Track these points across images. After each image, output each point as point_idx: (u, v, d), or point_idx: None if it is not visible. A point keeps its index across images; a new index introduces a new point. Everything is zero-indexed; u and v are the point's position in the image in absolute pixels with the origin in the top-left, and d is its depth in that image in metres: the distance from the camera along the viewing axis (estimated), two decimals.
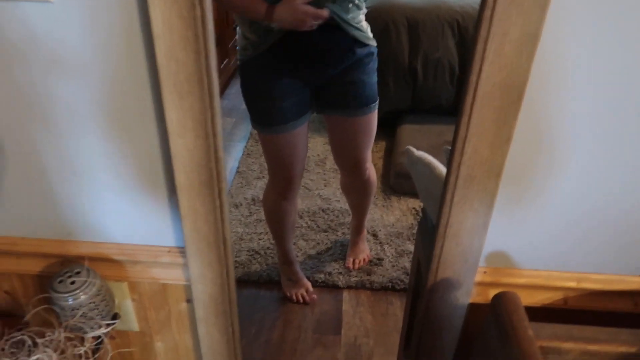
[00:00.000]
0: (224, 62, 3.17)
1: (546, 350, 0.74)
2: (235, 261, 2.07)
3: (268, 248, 2.13)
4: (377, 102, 1.56)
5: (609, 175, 0.81)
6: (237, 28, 1.45)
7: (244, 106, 1.59)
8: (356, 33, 1.39)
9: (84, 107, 0.80)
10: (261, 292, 2.00)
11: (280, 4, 1.26)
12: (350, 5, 1.35)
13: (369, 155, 1.72)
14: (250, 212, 2.34)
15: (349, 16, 1.36)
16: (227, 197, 0.85)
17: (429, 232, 1.10)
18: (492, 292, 0.87)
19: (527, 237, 0.88)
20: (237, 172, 2.61)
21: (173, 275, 0.96)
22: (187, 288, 0.97)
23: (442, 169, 1.16)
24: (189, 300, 1.00)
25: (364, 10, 1.43)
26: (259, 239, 2.18)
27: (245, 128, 2.97)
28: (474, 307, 0.94)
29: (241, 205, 2.38)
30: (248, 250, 2.12)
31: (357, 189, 1.85)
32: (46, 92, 0.79)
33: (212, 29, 0.72)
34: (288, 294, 1.93)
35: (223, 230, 0.88)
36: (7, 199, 0.91)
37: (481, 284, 0.92)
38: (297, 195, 1.74)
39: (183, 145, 0.79)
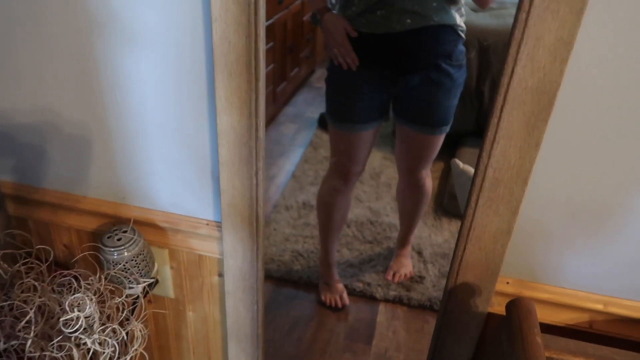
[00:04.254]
0: (294, 71, 3.29)
1: None
2: (279, 260, 2.14)
3: (311, 252, 2.18)
4: (449, 125, 1.59)
5: None
6: None
7: (308, 114, 1.69)
8: (445, 38, 1.39)
9: (147, 81, 0.90)
10: (299, 292, 2.04)
11: (328, 17, 1.38)
12: (438, 0, 1.33)
13: (427, 167, 1.77)
14: (300, 216, 2.40)
15: (427, 9, 1.34)
16: (263, 176, 0.91)
17: None
18: (505, 305, 0.86)
19: (554, 251, 0.87)
20: (293, 176, 2.69)
21: (209, 248, 1.03)
22: (220, 262, 1.04)
23: None
24: (221, 275, 1.06)
25: (459, 8, 1.40)
26: (304, 242, 2.24)
27: (307, 135, 3.06)
28: (492, 317, 0.93)
29: (292, 207, 2.45)
30: (292, 251, 2.18)
31: (410, 194, 1.87)
32: (117, 65, 0.89)
33: (264, 16, 0.78)
34: (323, 298, 1.97)
35: (257, 208, 0.94)
36: (77, 161, 1.02)
37: (502, 294, 0.91)
38: (351, 191, 1.80)
39: (228, 123, 0.86)
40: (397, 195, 2.00)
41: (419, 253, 2.20)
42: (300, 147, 2.96)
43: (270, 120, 3.12)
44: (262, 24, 0.78)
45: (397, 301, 2.00)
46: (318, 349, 1.80)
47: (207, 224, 1.00)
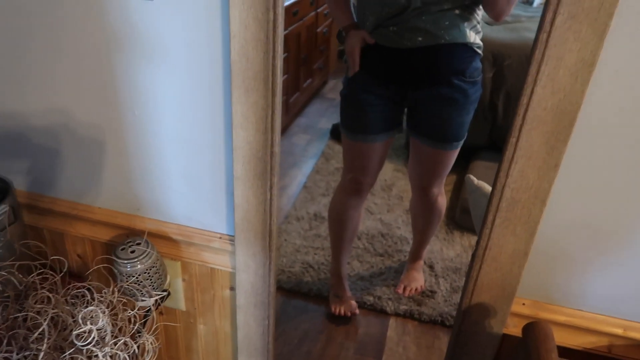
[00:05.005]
0: (308, 82, 3.30)
1: None
2: (289, 271, 2.13)
3: (322, 264, 2.17)
4: (462, 141, 1.58)
5: None
6: None
7: (320, 125, 1.70)
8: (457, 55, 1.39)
9: (165, 96, 0.90)
10: (309, 304, 2.03)
11: (351, 34, 1.40)
12: (447, 14, 1.33)
13: (440, 183, 1.75)
14: (311, 227, 2.39)
15: (440, 28, 1.34)
16: (277, 192, 0.91)
17: None
18: (522, 327, 0.85)
19: (572, 273, 0.85)
20: (304, 187, 2.69)
21: (221, 261, 1.03)
22: (232, 275, 1.03)
23: None
24: (232, 288, 1.05)
25: (474, 25, 1.39)
26: (315, 254, 2.23)
27: (318, 146, 3.05)
28: (507, 339, 0.91)
29: (303, 219, 2.44)
30: (302, 263, 2.17)
31: (424, 210, 1.86)
32: (135, 80, 0.90)
33: (282, 33, 0.79)
34: (333, 309, 1.95)
35: (270, 223, 0.94)
36: (92, 172, 1.03)
37: (518, 315, 0.89)
38: (363, 204, 1.79)
39: (244, 138, 0.86)
40: (410, 210, 1.99)
41: (431, 267, 2.18)
42: (312, 158, 2.96)
43: (283, 130, 3.13)
44: (281, 40, 0.79)
45: (408, 316, 1.97)
46: None
47: (220, 238, 1.00)
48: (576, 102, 0.69)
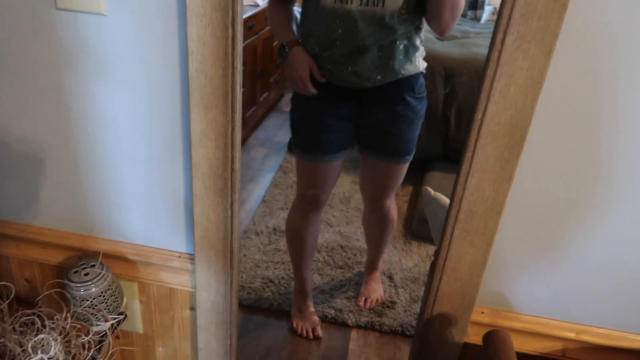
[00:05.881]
0: (264, 95, 3.29)
1: None
2: (249, 287, 2.10)
3: (282, 278, 2.15)
4: (412, 154, 1.61)
5: (615, 224, 0.81)
6: None
7: (277, 138, 1.68)
8: (404, 80, 1.42)
9: (120, 113, 0.88)
10: (270, 320, 2.00)
11: (296, 52, 1.35)
12: (399, 49, 1.36)
13: (391, 195, 1.77)
14: (270, 241, 2.37)
15: (396, 64, 1.37)
16: (238, 208, 0.90)
17: None
18: (482, 336, 0.87)
19: (526, 281, 0.88)
20: (263, 201, 2.67)
21: (180, 281, 1.00)
22: (192, 295, 1.01)
23: None
24: (193, 308, 1.03)
25: (421, 51, 1.43)
26: (275, 268, 2.21)
27: (276, 160, 3.05)
28: (468, 347, 0.93)
29: (262, 233, 2.42)
30: (262, 278, 2.15)
31: (376, 222, 1.88)
32: (89, 97, 0.87)
33: (241, 50, 0.78)
34: (295, 326, 1.93)
35: (231, 240, 0.92)
36: (41, 192, 0.98)
37: (478, 323, 0.92)
38: (319, 217, 1.79)
39: (204, 155, 0.84)
40: (363, 223, 2.01)
41: (390, 278, 2.20)
42: (270, 171, 2.95)
43: (240, 144, 3.10)
44: (240, 57, 0.78)
45: (369, 327, 1.98)
46: None
47: (180, 257, 0.98)
48: (527, 117, 0.73)
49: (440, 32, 1.32)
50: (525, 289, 0.89)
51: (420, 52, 1.44)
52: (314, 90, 1.40)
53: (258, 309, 2.02)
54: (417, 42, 1.40)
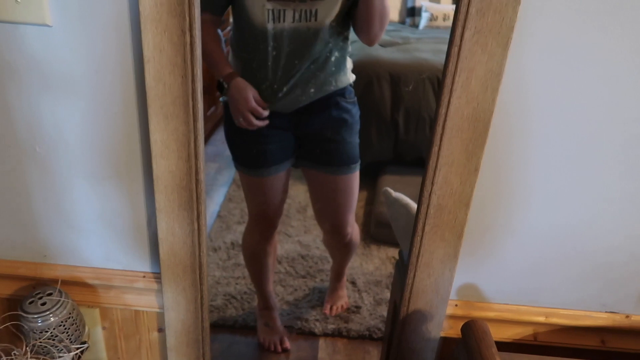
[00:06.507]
0: (211, 110, 3.24)
1: None
2: (211, 305, 2.04)
3: (245, 293, 2.11)
4: (358, 163, 1.56)
5: (574, 211, 0.85)
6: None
7: (227, 152, 1.62)
8: (338, 93, 1.42)
9: (72, 129, 0.83)
10: (236, 337, 1.95)
11: (236, 85, 1.29)
12: (332, 61, 1.36)
13: (350, 219, 1.69)
14: (229, 257, 2.32)
15: (330, 77, 1.37)
16: (205, 221, 0.87)
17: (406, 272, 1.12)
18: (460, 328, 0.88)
19: (496, 270, 0.90)
20: (218, 216, 2.61)
21: (147, 302, 0.95)
22: (160, 316, 0.97)
23: None
24: (161, 329, 0.98)
25: (350, 62, 1.44)
26: (236, 284, 2.16)
27: (228, 174, 3.00)
28: (445, 341, 0.94)
29: (220, 249, 2.36)
30: (224, 295, 2.09)
31: (338, 249, 1.86)
32: (36, 113, 0.82)
33: (200, 56, 0.76)
34: (262, 340, 1.89)
35: (200, 255, 0.89)
36: None
37: (452, 317, 0.93)
38: (275, 236, 1.75)
39: (165, 167, 0.81)
40: (324, 245, 1.96)
41: (353, 283, 2.21)
42: (223, 186, 2.90)
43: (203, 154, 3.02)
44: (199, 63, 0.76)
45: (337, 334, 1.97)
46: None
47: (144, 277, 0.93)
48: (488, 110, 0.75)
49: (369, 41, 1.33)
50: (495, 278, 0.91)
51: (349, 63, 1.45)
52: (259, 123, 1.33)
53: (222, 327, 1.96)
54: (347, 53, 1.41)
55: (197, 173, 0.82)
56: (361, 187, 2.35)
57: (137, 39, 0.76)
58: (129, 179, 0.86)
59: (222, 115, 3.58)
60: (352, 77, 1.47)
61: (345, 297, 2.09)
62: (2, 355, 0.77)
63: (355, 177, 1.57)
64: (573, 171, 0.80)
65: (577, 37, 0.71)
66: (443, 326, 0.93)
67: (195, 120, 0.78)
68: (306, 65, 1.32)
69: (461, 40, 0.71)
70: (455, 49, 0.71)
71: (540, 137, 0.78)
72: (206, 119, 3.14)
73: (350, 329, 1.98)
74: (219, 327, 1.96)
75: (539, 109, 0.76)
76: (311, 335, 1.97)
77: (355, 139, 1.54)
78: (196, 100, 0.77)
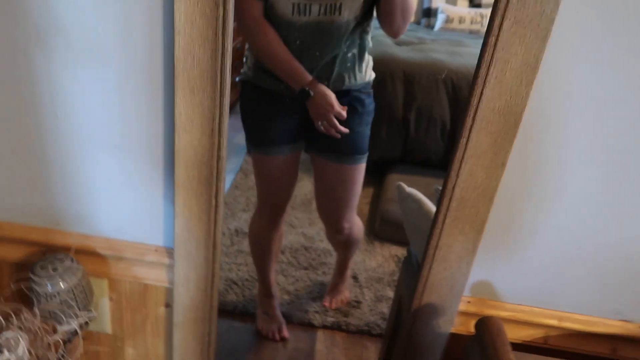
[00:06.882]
0: None
1: None
2: None
3: (246, 280, 2.10)
4: (366, 155, 1.56)
5: (599, 215, 0.83)
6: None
7: (236, 140, 1.63)
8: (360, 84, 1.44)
9: (94, 97, 0.82)
10: (235, 323, 1.95)
11: (321, 91, 1.31)
12: (349, 56, 1.37)
13: (348, 214, 1.68)
14: (232, 243, 2.32)
15: (347, 74, 1.39)
16: (223, 198, 0.86)
17: (413, 269, 1.11)
18: (475, 323, 0.87)
19: (512, 269, 0.89)
20: (224, 203, 2.61)
21: (156, 276, 0.95)
22: (169, 291, 0.96)
23: (430, 206, 1.18)
24: (168, 305, 0.98)
25: (368, 59, 1.45)
26: (238, 270, 2.15)
27: (236, 161, 2.99)
28: (455, 338, 0.93)
29: (224, 235, 2.36)
30: (226, 280, 2.09)
31: (340, 244, 1.87)
32: (59, 79, 0.81)
33: (232, 31, 0.75)
34: (260, 327, 1.89)
35: (215, 232, 0.88)
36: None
37: (464, 313, 0.92)
38: (282, 223, 1.75)
39: (188, 141, 0.80)
40: (327, 239, 1.96)
41: (355, 278, 2.20)
42: (230, 173, 2.89)
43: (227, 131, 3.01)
44: (230, 38, 0.75)
45: (336, 327, 1.97)
46: None
47: (156, 251, 0.93)
48: (521, 104, 0.73)
49: (393, 34, 1.35)
50: (511, 277, 0.90)
51: (370, 60, 1.45)
52: (343, 129, 1.37)
53: (222, 312, 1.94)
54: (367, 49, 1.42)
55: (219, 149, 0.81)
56: (368, 184, 2.34)
57: (168, 10, 0.75)
58: (149, 152, 0.85)
59: (232, 104, 3.57)
60: (371, 75, 1.47)
61: (346, 292, 2.08)
62: (12, 315, 0.76)
63: (359, 170, 1.57)
64: (603, 175, 0.79)
65: (621, 35, 0.70)
66: (454, 322, 0.92)
67: (222, 96, 0.77)
68: (327, 59, 1.33)
69: (499, 30, 0.69)
70: (492, 39, 0.70)
71: (572, 137, 0.77)
72: None
73: (350, 323, 1.97)
74: (218, 311, 1.96)
75: (574, 107, 0.75)
76: (310, 326, 1.96)
77: (365, 130, 1.53)
78: (224, 75, 0.76)
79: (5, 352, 0.70)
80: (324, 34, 1.29)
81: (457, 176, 0.79)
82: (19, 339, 0.72)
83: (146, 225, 0.91)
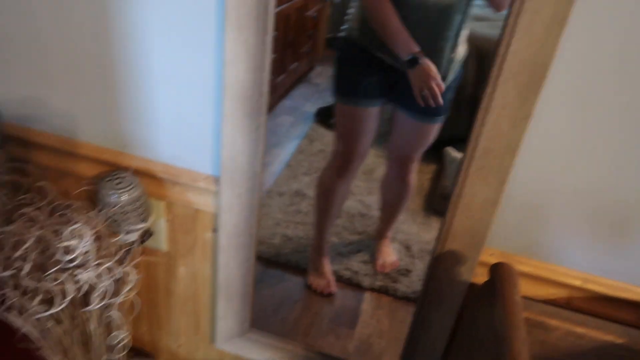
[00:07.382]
0: (294, 65, 3.32)
1: (532, 323, 0.76)
2: (269, 242, 2.16)
3: (301, 237, 2.21)
4: (444, 116, 1.65)
5: (630, 173, 0.82)
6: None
7: (305, 108, 1.73)
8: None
9: (155, 28, 0.91)
10: (287, 275, 2.07)
11: (427, 61, 1.40)
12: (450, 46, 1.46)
13: (415, 159, 1.82)
14: (292, 202, 2.43)
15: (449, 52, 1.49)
16: (264, 132, 0.94)
17: None
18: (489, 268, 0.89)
19: (537, 225, 0.90)
20: (287, 165, 2.73)
21: (205, 202, 1.05)
22: (215, 217, 1.06)
23: None
24: (215, 230, 1.08)
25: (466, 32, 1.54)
26: (295, 228, 2.27)
27: (302, 128, 3.09)
28: (474, 288, 0.96)
29: (284, 194, 2.48)
30: (282, 235, 2.21)
31: (396, 185, 1.92)
32: (126, 11, 0.91)
33: None
34: (310, 282, 1.99)
35: (256, 164, 0.97)
36: (82, 106, 1.05)
37: (486, 264, 0.94)
38: (351, 180, 1.84)
39: (235, 75, 0.89)
40: (380, 188, 2.04)
41: (407, 248, 2.24)
42: (296, 139, 3.00)
43: (268, 110, 3.15)
44: None
45: (383, 291, 2.03)
46: (301, 331, 1.82)
47: (206, 178, 1.03)
48: (549, 55, 0.74)
49: (497, 6, 1.38)
50: (536, 233, 0.91)
51: (465, 37, 1.53)
52: (441, 101, 1.45)
53: (276, 263, 2.09)
54: (465, 28, 1.50)
55: (261, 85, 0.89)
56: (430, 160, 2.34)
57: None
58: (202, 83, 0.94)
59: (303, 72, 3.65)
60: (463, 51, 1.58)
61: (393, 254, 2.14)
62: (82, 210, 0.89)
63: (437, 127, 1.69)
64: (632, 134, 0.78)
65: None
66: (475, 273, 0.95)
67: (264, 34, 0.84)
68: (433, 36, 1.43)
69: None
70: None
71: (601, 96, 0.77)
72: (288, 72, 3.24)
73: (397, 289, 2.02)
74: (272, 262, 2.09)
75: (606, 63, 0.74)
76: (358, 287, 2.03)
77: (449, 95, 1.61)
78: (268, 14, 0.83)
79: (73, 241, 0.84)
80: (434, 13, 1.38)
81: (482, 125, 0.82)
82: (86, 230, 0.85)
83: (198, 153, 1.02)
